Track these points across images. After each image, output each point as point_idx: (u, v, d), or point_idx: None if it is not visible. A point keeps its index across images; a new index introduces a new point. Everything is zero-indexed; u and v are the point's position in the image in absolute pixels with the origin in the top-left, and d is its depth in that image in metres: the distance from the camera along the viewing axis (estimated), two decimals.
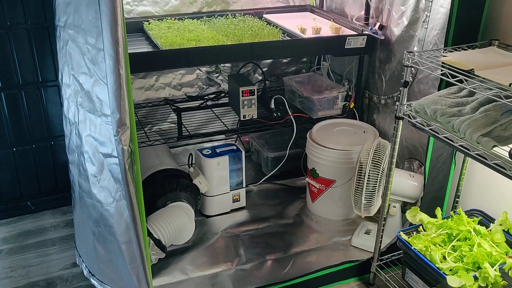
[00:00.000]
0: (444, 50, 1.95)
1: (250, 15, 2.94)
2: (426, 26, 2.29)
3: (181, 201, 2.38)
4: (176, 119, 2.72)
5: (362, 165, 2.33)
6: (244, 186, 2.76)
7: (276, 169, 3.00)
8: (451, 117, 1.69)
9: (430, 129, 1.76)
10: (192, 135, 2.77)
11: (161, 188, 2.39)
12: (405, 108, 1.89)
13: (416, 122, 1.82)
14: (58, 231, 2.56)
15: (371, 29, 2.64)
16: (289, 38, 2.58)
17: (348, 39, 2.55)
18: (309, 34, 2.71)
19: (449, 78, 1.67)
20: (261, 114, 2.76)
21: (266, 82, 3.07)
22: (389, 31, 2.58)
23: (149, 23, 2.73)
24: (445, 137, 1.69)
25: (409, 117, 1.87)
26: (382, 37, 2.56)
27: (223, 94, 3.08)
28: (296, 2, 3.21)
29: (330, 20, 2.93)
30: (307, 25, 2.84)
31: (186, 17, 2.85)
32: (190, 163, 2.64)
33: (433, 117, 1.75)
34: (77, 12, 1.80)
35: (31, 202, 2.74)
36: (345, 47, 2.58)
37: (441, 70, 1.72)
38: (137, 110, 2.95)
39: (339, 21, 2.88)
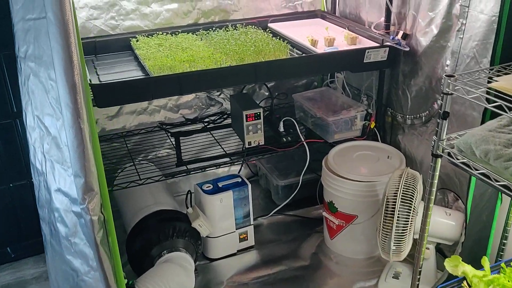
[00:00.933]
0: (490, 70, 1.58)
1: (253, 25, 2.59)
2: (461, 36, 1.92)
3: (179, 250, 2.04)
4: (173, 145, 2.39)
5: (389, 201, 1.96)
6: (251, 222, 2.41)
7: (288, 200, 2.64)
8: (508, 161, 1.33)
9: (481, 173, 1.39)
10: (192, 161, 2.44)
11: (155, 235, 2.05)
12: (444, 144, 1.53)
13: (461, 163, 1.46)
14: (41, 284, 2.23)
15: (393, 38, 2.27)
16: (298, 55, 2.22)
17: (368, 52, 2.19)
18: (321, 47, 2.35)
19: (506, 112, 1.30)
20: (268, 138, 2.41)
21: (274, 99, 2.71)
22: (415, 40, 2.21)
23: (137, 40, 2.39)
24: (502, 185, 1.33)
25: (450, 155, 1.51)
26: (407, 48, 2.19)
27: (226, 116, 2.73)
28: (305, 7, 2.85)
29: (345, 28, 2.57)
30: (319, 35, 2.48)
31: (180, 30, 2.51)
32: (188, 202, 2.30)
33: (484, 159, 1.39)
34: (37, 41, 1.46)
35: (11, 249, 2.42)
36: (364, 61, 2.21)
37: (487, 97, 1.36)
38: (128, 138, 2.61)
39: (354, 29, 2.51)
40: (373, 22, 2.48)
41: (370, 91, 2.56)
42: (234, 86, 2.24)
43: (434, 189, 1.61)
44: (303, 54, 2.30)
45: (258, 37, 2.38)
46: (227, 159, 2.56)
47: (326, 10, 2.86)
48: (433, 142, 1.55)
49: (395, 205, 1.92)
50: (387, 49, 2.21)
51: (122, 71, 2.18)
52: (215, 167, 2.42)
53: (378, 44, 2.29)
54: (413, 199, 1.91)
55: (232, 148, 2.60)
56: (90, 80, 1.84)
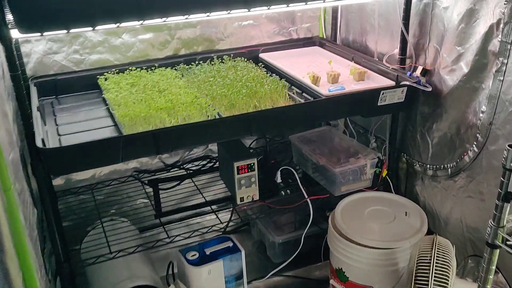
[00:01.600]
0: None
1: (242, 57, 2.21)
2: (501, 78, 1.58)
3: None
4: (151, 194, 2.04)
5: (418, 279, 1.60)
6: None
7: (288, 261, 2.26)
8: None
9: None
10: (173, 211, 2.11)
11: None
12: (504, 232, 1.17)
13: None
14: None
15: (410, 75, 1.91)
16: (299, 103, 1.83)
17: (383, 94, 1.83)
18: (323, 84, 1.98)
19: None
20: (264, 190, 2.04)
21: (268, 143, 2.34)
22: (438, 78, 1.86)
23: (106, 78, 1.99)
24: None
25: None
26: (429, 89, 1.83)
27: (212, 161, 2.35)
28: (300, 34, 2.48)
29: (349, 60, 2.21)
30: (320, 68, 2.13)
31: (157, 64, 2.12)
32: (169, 276, 1.91)
33: None
34: None
35: None
36: (378, 104, 1.85)
37: None
38: (98, 190, 2.21)
39: (361, 61, 2.15)
40: (383, 53, 2.13)
41: (380, 133, 2.20)
42: (224, 140, 1.85)
43: (489, 286, 1.25)
44: (303, 94, 1.94)
45: (249, 73, 2.00)
46: (214, 207, 2.21)
47: (325, 37, 2.50)
48: (488, 229, 1.19)
49: (426, 283, 1.55)
50: (405, 89, 1.85)
51: (87, 120, 1.79)
52: (199, 217, 2.05)
53: (392, 82, 1.93)
54: (449, 278, 1.55)
55: (220, 193, 2.22)
56: (42, 140, 1.45)
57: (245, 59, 2.19)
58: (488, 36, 1.60)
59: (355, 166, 2.06)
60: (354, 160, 2.08)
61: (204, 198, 2.18)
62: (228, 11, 1.50)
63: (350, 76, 2.08)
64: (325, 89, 1.94)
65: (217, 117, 1.68)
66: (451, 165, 1.88)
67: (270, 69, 2.23)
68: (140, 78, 1.99)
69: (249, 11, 1.50)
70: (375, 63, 2.09)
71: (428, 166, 1.99)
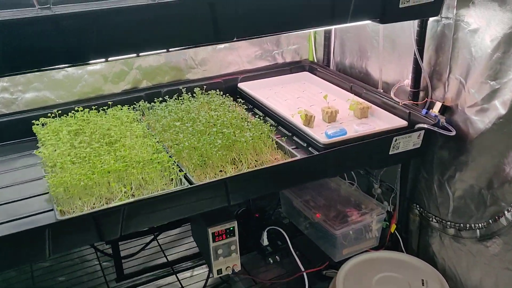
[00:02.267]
0: None
1: (218, 89, 1.80)
2: None
3: None
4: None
5: None
6: None
7: None
8: None
9: None
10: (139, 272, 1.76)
11: None
12: None
13: None
14: None
15: (426, 113, 1.53)
16: (289, 160, 1.40)
17: (396, 141, 1.44)
18: (318, 125, 1.60)
19: None
20: (247, 257, 1.63)
21: None
22: (462, 117, 1.48)
23: (44, 124, 1.57)
24: None
25: None
26: (453, 133, 1.45)
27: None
28: (287, 57, 2.09)
29: (348, 90, 1.82)
30: (312, 100, 1.76)
31: (111, 102, 1.70)
32: None
33: None
34: None
35: None
36: (390, 153, 1.46)
37: None
38: None
39: (362, 92, 1.77)
40: (389, 82, 1.75)
41: (386, 177, 1.82)
42: (192, 214, 1.43)
43: None
44: (294, 138, 1.55)
45: (226, 114, 1.60)
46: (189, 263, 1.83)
47: (316, 60, 2.11)
48: None
49: None
50: (423, 132, 1.47)
51: (16, 183, 1.36)
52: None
53: (403, 122, 1.55)
54: None
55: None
56: None
57: (221, 92, 1.78)
58: None
59: (360, 225, 1.67)
60: (357, 216, 1.69)
61: (166, 258, 1.78)
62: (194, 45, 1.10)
63: (350, 112, 1.69)
64: (321, 131, 1.55)
65: (184, 181, 1.27)
66: (480, 225, 1.50)
67: (252, 102, 1.83)
68: (87, 123, 1.57)
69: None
70: (379, 95, 1.71)
71: (449, 223, 1.61)
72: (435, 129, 1.44)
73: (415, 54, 1.53)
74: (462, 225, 1.57)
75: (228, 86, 1.93)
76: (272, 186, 1.35)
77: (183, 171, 1.31)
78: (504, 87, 1.32)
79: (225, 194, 1.24)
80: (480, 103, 1.40)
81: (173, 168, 1.30)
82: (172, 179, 1.30)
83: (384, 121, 1.62)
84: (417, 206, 1.74)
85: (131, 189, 1.27)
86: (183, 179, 1.28)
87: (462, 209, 1.56)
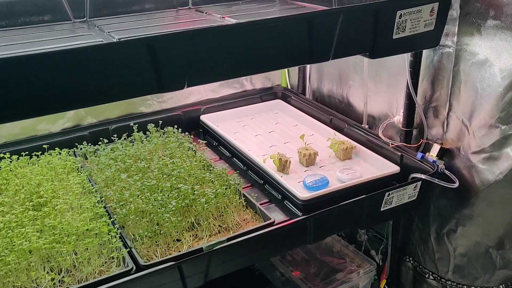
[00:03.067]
0: None
1: (176, 125, 1.53)
2: None
3: None
4: None
5: None
6: None
7: None
8: None
9: None
10: None
11: None
12: None
13: None
14: None
15: (422, 157, 1.29)
16: (260, 229, 1.09)
17: (389, 196, 1.19)
18: (295, 170, 1.35)
19: None
20: None
21: None
22: (464, 163, 1.25)
23: None
24: None
25: None
26: (455, 185, 1.21)
27: None
28: (256, 83, 1.83)
29: (327, 124, 1.58)
30: (287, 135, 1.52)
31: (46, 144, 1.41)
32: None
33: None
34: None
35: None
36: (381, 209, 1.22)
37: None
38: None
39: (344, 126, 1.53)
40: (375, 116, 1.51)
41: (375, 228, 1.58)
42: None
43: None
44: (266, 186, 1.29)
45: (184, 160, 1.33)
46: None
47: (289, 87, 1.86)
48: None
49: None
50: (419, 184, 1.23)
51: None
52: None
53: (394, 167, 1.31)
54: None
55: None
56: None
57: (180, 130, 1.51)
58: None
59: (346, 286, 1.42)
60: (342, 276, 1.44)
61: None
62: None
63: (331, 152, 1.44)
64: (298, 179, 1.31)
65: (127, 260, 0.99)
66: None
67: (217, 139, 1.57)
68: (14, 174, 1.28)
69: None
70: (365, 132, 1.47)
71: (449, 283, 1.38)
72: (435, 181, 1.20)
73: (408, 88, 1.29)
74: (465, 287, 1.33)
75: (189, 119, 1.66)
76: (239, 263, 1.08)
77: (127, 247, 1.03)
78: None
79: (180, 278, 0.97)
80: (488, 149, 1.17)
81: (114, 241, 1.03)
82: (113, 257, 1.02)
83: (371, 164, 1.38)
84: (410, 259, 1.50)
85: (61, 274, 0.99)
86: (126, 258, 1.00)
87: (465, 269, 1.33)
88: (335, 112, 1.60)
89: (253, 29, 0.89)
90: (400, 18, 1.02)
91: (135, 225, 1.09)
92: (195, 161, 1.34)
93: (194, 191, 1.17)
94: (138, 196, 1.16)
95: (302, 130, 1.60)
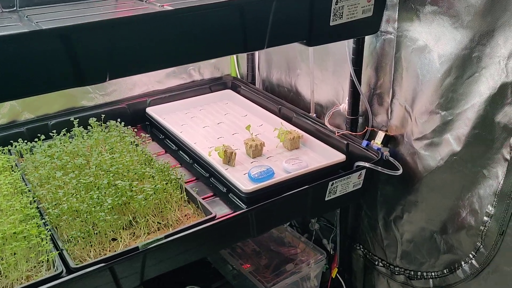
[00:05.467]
0: None
1: (120, 119, 1.48)
2: None
3: None
4: None
5: None
6: None
7: None
8: None
9: None
10: None
11: None
12: None
13: None
14: None
15: (367, 144, 1.29)
16: (200, 224, 1.05)
17: (332, 185, 1.18)
18: (241, 161, 1.32)
19: None
20: None
21: None
22: (407, 149, 1.25)
23: None
24: None
25: None
26: (399, 172, 1.20)
27: None
28: (205, 73, 1.79)
29: (276, 113, 1.55)
30: (236, 126, 1.49)
31: None
32: None
33: None
34: None
35: None
36: (326, 199, 1.20)
37: None
38: None
39: (292, 115, 1.51)
40: (322, 104, 1.50)
41: (326, 214, 1.57)
42: None
43: None
44: (211, 179, 1.25)
45: (124, 155, 1.28)
46: None
47: (239, 76, 1.83)
48: None
49: None
50: (363, 172, 1.22)
51: None
52: None
53: (340, 156, 1.29)
54: None
55: None
56: None
57: (123, 123, 1.46)
58: (496, 101, 1.00)
59: (296, 277, 1.41)
60: (293, 267, 1.43)
61: None
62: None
63: (279, 142, 1.42)
64: (244, 170, 1.28)
65: (58, 263, 0.95)
66: (433, 274, 1.28)
67: (162, 131, 1.52)
68: None
69: None
70: (312, 121, 1.45)
71: (398, 269, 1.39)
72: (379, 168, 1.19)
73: (351, 76, 1.28)
74: (412, 272, 1.34)
75: (135, 112, 1.61)
76: (178, 259, 1.05)
77: (57, 249, 0.98)
78: (458, 119, 1.09)
79: (113, 281, 0.93)
80: (429, 136, 1.16)
81: (44, 245, 0.98)
82: (43, 261, 0.97)
83: (318, 153, 1.36)
84: (361, 247, 1.50)
85: None
86: (57, 262, 0.95)
87: (412, 254, 1.33)
88: (284, 102, 1.58)
89: (178, 17, 0.85)
90: (336, 4, 1.00)
91: (68, 226, 1.04)
92: (136, 156, 1.29)
93: (132, 187, 1.13)
94: (73, 194, 1.11)
95: (251, 121, 1.57)
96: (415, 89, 1.18)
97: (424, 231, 1.27)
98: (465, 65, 1.04)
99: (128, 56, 0.83)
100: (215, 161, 1.31)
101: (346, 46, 1.25)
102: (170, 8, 1.03)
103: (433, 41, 1.10)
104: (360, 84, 1.28)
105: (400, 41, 1.19)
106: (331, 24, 1.01)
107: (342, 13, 1.02)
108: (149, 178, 1.21)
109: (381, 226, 1.40)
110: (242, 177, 1.26)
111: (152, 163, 1.28)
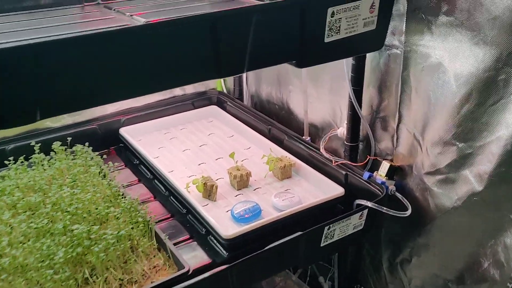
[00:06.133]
0: None
1: (86, 144, 1.29)
2: None
3: None
4: None
5: None
6: None
7: None
8: None
9: None
10: None
11: None
12: None
13: None
14: None
15: (369, 177, 1.10)
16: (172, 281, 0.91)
17: (329, 229, 1.00)
18: (224, 195, 1.15)
19: None
20: None
21: None
22: (417, 184, 1.07)
23: None
24: None
25: None
26: (408, 212, 1.02)
27: None
28: (188, 87, 1.61)
29: (265, 135, 1.37)
30: (221, 149, 1.31)
31: None
32: None
33: None
34: None
35: None
36: (322, 244, 1.02)
37: None
38: None
39: (284, 138, 1.33)
40: (318, 125, 1.32)
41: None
42: None
43: None
44: (189, 216, 1.07)
45: (88, 190, 1.10)
46: None
47: (225, 91, 1.65)
48: None
49: None
50: (365, 212, 1.03)
51: None
52: None
53: (338, 189, 1.11)
54: None
55: None
56: None
57: (91, 148, 1.27)
58: None
59: None
60: None
61: None
62: None
63: (268, 171, 1.24)
64: (227, 207, 1.11)
65: None
66: None
67: (136, 156, 1.34)
68: None
69: None
70: (306, 146, 1.27)
71: None
72: (383, 209, 1.00)
73: (350, 97, 1.09)
74: None
75: (107, 133, 1.43)
76: None
77: None
78: (479, 153, 0.91)
79: None
80: (444, 170, 0.98)
81: None
82: None
83: (313, 184, 1.18)
84: None
85: None
86: None
87: None
88: (274, 122, 1.40)
89: (125, 39, 0.67)
90: (332, 16, 0.82)
91: (9, 286, 0.86)
92: (100, 192, 1.11)
93: (91, 233, 0.95)
94: (21, 243, 0.93)
95: (238, 142, 1.40)
96: (426, 115, 1.00)
97: (436, 278, 1.09)
98: (489, 90, 0.86)
99: (61, 90, 0.65)
100: (193, 195, 1.13)
101: (344, 64, 1.07)
102: (137, 23, 0.86)
103: (449, 59, 0.92)
104: (360, 106, 1.10)
105: (408, 57, 1.01)
106: (326, 41, 0.83)
107: (340, 27, 0.84)
108: (114, 219, 1.03)
109: (386, 268, 1.22)
110: (224, 216, 1.08)
111: (119, 200, 1.09)
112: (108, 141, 1.42)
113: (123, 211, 1.03)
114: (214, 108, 1.58)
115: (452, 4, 0.88)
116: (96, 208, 1.03)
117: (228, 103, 1.56)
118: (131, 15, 1.09)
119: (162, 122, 1.50)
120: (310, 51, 0.82)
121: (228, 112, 1.54)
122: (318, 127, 1.32)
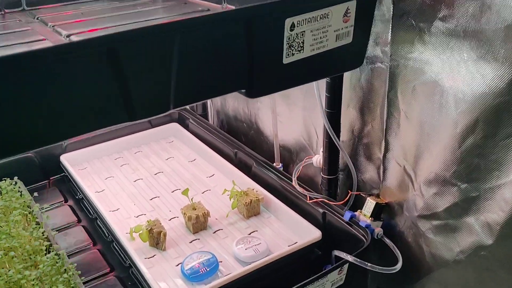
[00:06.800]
0: None
1: (16, 179, 1.08)
2: None
3: None
4: None
5: None
6: None
7: None
8: None
9: None
10: None
11: None
12: None
13: None
14: None
15: (352, 217, 0.90)
16: None
17: None
18: (176, 242, 0.94)
19: None
20: None
21: None
22: (408, 227, 0.86)
23: None
24: None
25: None
26: (397, 267, 0.82)
27: None
28: None
29: (231, 160, 1.16)
30: (178, 182, 1.08)
31: None
32: None
33: None
34: None
35: None
36: None
37: None
38: None
39: (252, 164, 1.12)
40: (291, 149, 1.11)
41: None
42: None
43: None
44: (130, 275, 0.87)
45: (10, 240, 0.89)
46: None
47: (188, 107, 1.43)
48: None
49: None
50: (346, 266, 0.83)
51: None
52: None
53: (315, 233, 0.91)
54: None
55: None
56: None
57: (29, 179, 1.06)
58: None
59: None
60: None
61: None
62: None
63: (230, 209, 1.03)
64: (176, 259, 0.91)
65: None
66: None
67: (79, 189, 1.13)
68: None
69: None
70: (277, 175, 1.06)
71: None
72: (367, 266, 0.80)
73: (326, 126, 0.89)
74: None
75: (45, 162, 1.22)
76: None
77: None
78: (487, 198, 0.71)
79: None
80: (442, 215, 0.78)
81: None
82: None
83: (284, 223, 0.98)
84: None
85: None
86: None
87: None
88: (241, 144, 1.19)
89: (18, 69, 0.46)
90: (292, 30, 0.61)
91: None
92: (24, 242, 0.90)
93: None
94: None
95: (200, 169, 1.19)
96: (419, 145, 0.79)
97: None
98: (500, 119, 0.66)
99: None
100: (138, 243, 0.93)
101: (315, 84, 0.86)
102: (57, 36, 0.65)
103: (448, 77, 0.72)
104: (339, 131, 0.90)
105: (396, 73, 0.80)
106: (285, 62, 0.62)
107: (303, 43, 0.63)
108: (33, 281, 0.82)
109: None
110: (172, 272, 0.88)
111: (40, 257, 0.88)
112: (47, 171, 1.21)
113: (41, 274, 0.82)
114: (174, 126, 1.37)
115: (450, 8, 0.68)
116: (9, 270, 0.82)
117: (190, 120, 1.35)
118: (53, 26, 0.88)
119: (113, 145, 1.29)
120: (263, 76, 0.61)
121: (190, 131, 1.33)
122: (291, 150, 1.11)
